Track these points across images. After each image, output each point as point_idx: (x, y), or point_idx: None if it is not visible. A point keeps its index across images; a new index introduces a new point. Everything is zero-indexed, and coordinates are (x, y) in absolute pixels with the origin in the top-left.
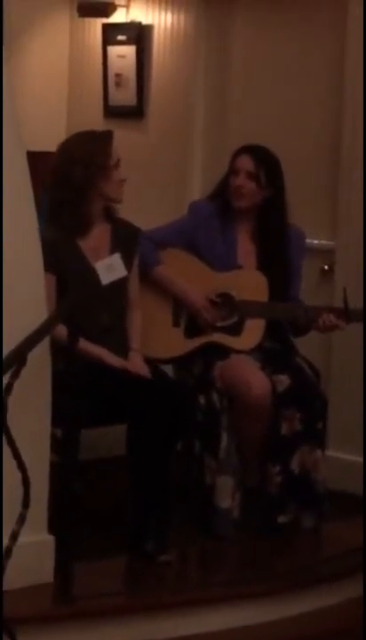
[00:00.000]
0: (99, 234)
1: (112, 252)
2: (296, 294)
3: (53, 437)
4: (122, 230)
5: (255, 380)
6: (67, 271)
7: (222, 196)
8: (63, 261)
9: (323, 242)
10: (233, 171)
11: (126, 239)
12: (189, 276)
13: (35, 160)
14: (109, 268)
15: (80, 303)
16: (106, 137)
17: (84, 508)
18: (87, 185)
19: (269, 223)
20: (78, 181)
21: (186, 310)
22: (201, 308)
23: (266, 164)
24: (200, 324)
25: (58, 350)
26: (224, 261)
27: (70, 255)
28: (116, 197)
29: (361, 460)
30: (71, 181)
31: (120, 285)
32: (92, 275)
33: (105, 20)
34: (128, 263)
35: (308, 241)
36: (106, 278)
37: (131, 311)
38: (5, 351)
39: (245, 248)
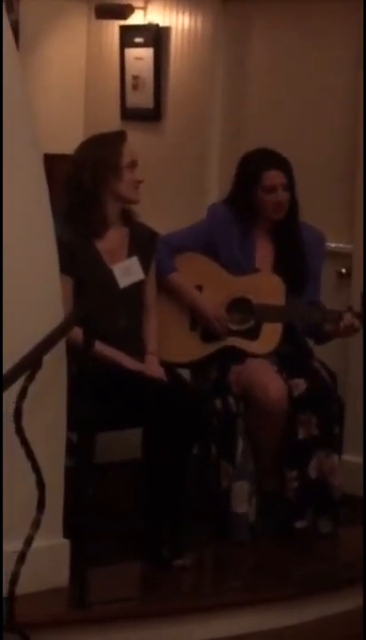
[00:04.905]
0: (117, 237)
1: (129, 255)
2: (314, 299)
3: (68, 441)
4: (140, 234)
5: (272, 383)
6: (84, 274)
7: (243, 204)
8: (80, 264)
9: (341, 245)
10: (266, 188)
11: (144, 243)
12: (206, 280)
13: (53, 162)
14: (127, 272)
15: (96, 306)
16: (116, 138)
17: (99, 512)
18: (98, 187)
19: (288, 225)
20: (88, 184)
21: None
22: (212, 318)
23: (289, 170)
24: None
25: (74, 353)
26: (241, 265)
27: (87, 257)
28: (130, 198)
29: None
30: (82, 185)
31: (137, 288)
32: (109, 277)
33: (122, 23)
34: (145, 266)
35: (326, 244)
36: (123, 281)
37: (148, 314)
38: (21, 354)
39: (263, 252)
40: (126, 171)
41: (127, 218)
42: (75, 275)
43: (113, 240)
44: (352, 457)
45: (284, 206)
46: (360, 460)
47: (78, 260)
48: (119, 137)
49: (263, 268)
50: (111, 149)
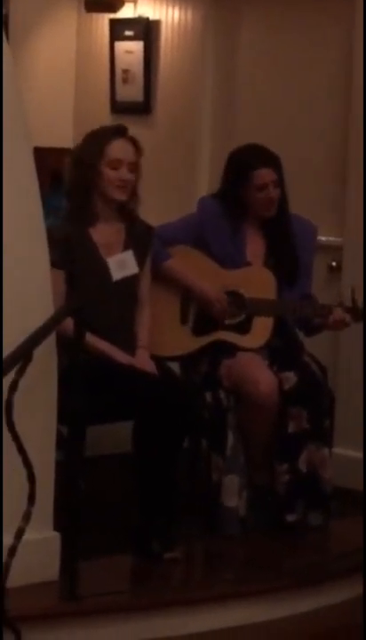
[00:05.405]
0: (113, 231)
1: (125, 249)
2: (306, 292)
3: (59, 434)
4: (136, 228)
5: (262, 377)
6: (80, 266)
7: (233, 201)
8: (75, 256)
9: (331, 238)
10: (257, 187)
11: (140, 237)
12: (198, 273)
13: (42, 156)
14: (121, 265)
15: (89, 299)
16: (106, 135)
17: (90, 506)
18: (82, 184)
19: (278, 219)
20: (74, 181)
21: (197, 304)
22: (214, 299)
23: (279, 165)
24: (210, 320)
25: (65, 346)
26: (233, 259)
27: (83, 250)
28: (113, 197)
29: None
30: (70, 181)
31: (131, 282)
32: (104, 270)
33: (112, 16)
34: (141, 261)
35: (317, 236)
36: (117, 274)
37: (141, 308)
38: (12, 347)
39: (254, 246)
40: (106, 169)
41: (126, 215)
42: (69, 268)
43: (108, 234)
44: (342, 450)
45: (275, 203)
46: (350, 453)
47: (74, 252)
48: (110, 134)
49: (254, 262)
50: (93, 147)
